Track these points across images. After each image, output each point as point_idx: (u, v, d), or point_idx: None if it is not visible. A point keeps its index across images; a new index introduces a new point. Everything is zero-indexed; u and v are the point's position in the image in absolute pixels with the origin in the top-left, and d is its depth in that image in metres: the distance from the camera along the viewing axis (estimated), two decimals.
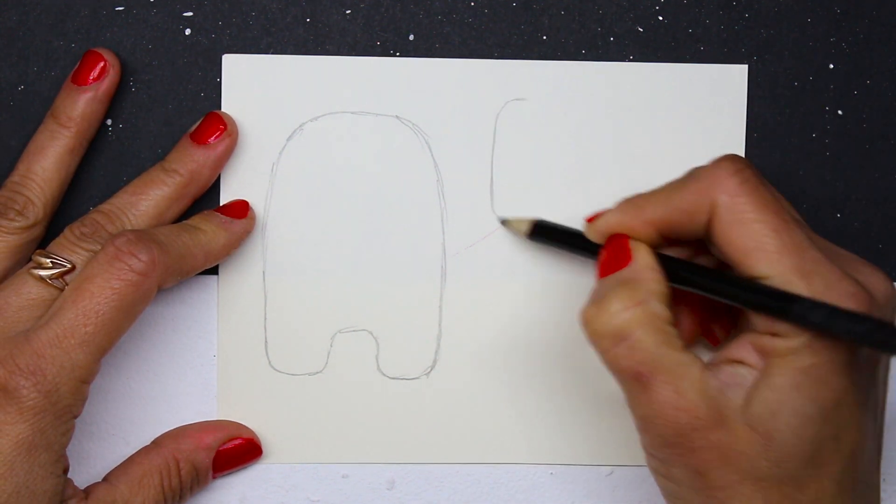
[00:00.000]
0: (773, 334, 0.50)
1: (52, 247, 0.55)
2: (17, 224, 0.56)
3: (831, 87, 0.60)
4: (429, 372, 0.60)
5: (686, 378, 0.50)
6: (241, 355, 0.60)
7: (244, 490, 0.60)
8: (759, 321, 0.51)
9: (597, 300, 0.52)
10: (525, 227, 0.58)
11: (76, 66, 0.57)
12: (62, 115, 0.57)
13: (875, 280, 0.51)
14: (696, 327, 0.56)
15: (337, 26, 0.59)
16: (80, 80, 0.57)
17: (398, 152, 0.59)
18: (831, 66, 0.60)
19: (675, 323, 0.52)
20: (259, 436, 0.60)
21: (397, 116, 0.59)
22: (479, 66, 0.59)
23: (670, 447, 0.50)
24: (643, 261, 0.52)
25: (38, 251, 0.55)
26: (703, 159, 0.59)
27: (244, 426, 0.60)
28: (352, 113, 0.59)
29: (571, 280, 0.60)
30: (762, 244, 0.50)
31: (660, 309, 0.51)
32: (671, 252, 0.54)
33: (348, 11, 0.59)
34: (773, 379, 0.50)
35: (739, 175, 0.51)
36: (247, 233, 0.58)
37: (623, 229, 0.53)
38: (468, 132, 0.59)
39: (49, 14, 0.59)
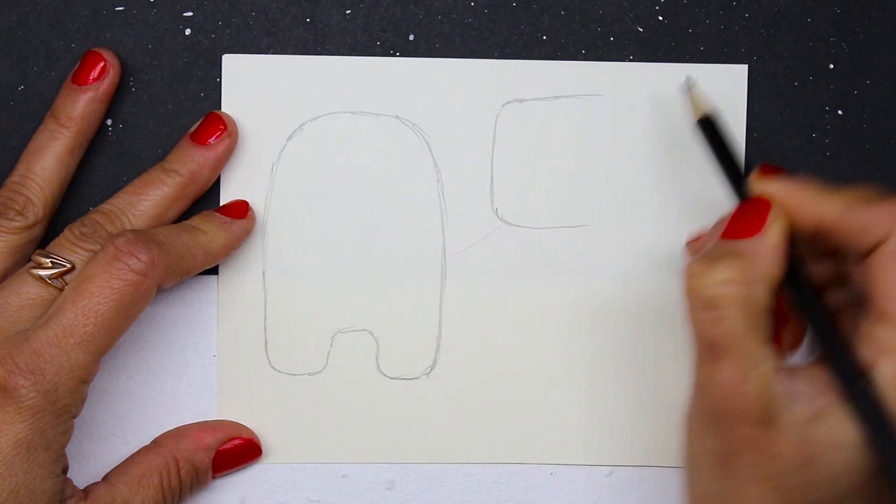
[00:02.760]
0: None
1: (52, 247, 0.55)
2: (16, 224, 0.56)
3: (831, 87, 0.60)
4: (429, 372, 0.60)
5: (755, 369, 0.49)
6: (241, 355, 0.60)
7: (244, 490, 0.60)
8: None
9: (707, 259, 0.50)
10: (700, 112, 0.55)
11: (76, 66, 0.57)
12: (62, 115, 0.57)
13: None
14: (800, 334, 0.55)
15: (337, 26, 0.59)
16: (80, 80, 0.57)
17: (398, 152, 0.59)
18: (831, 66, 0.60)
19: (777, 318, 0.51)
20: (259, 436, 0.60)
21: (397, 116, 0.59)
22: (479, 66, 0.59)
23: (712, 418, 0.50)
24: (773, 239, 0.50)
25: (37, 251, 0.55)
26: (702, 159, 0.59)
27: (244, 426, 0.60)
28: (351, 113, 0.59)
29: (572, 280, 0.60)
30: None
31: (762, 296, 0.49)
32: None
33: (348, 11, 0.59)
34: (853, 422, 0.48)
35: None
36: (247, 233, 0.58)
37: (785, 204, 0.51)
38: (468, 132, 0.59)
39: (49, 14, 0.59)
